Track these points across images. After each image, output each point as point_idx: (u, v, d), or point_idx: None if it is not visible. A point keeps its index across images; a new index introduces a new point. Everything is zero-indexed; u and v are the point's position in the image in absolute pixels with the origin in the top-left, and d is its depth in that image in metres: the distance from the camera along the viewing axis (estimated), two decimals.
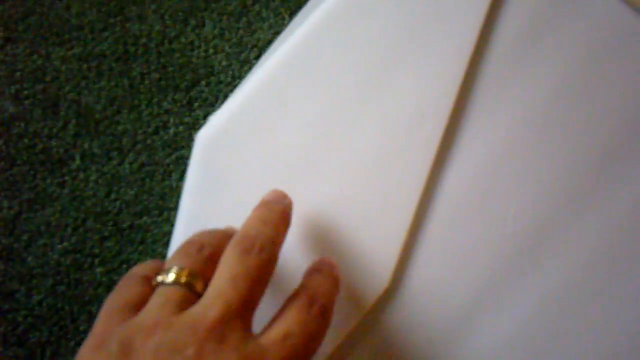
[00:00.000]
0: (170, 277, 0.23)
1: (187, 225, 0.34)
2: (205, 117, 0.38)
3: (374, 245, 0.31)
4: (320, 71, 0.33)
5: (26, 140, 0.47)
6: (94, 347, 0.22)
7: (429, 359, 0.31)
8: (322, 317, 0.26)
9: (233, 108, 0.34)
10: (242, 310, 0.24)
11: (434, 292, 0.31)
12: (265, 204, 0.29)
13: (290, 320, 0.25)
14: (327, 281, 0.28)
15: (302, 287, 0.27)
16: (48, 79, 0.48)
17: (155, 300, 0.23)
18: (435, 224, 0.32)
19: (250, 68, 0.44)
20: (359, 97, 0.33)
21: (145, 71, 0.48)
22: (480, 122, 0.32)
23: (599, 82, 0.32)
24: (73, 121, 0.47)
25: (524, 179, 0.32)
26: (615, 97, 0.32)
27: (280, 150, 0.33)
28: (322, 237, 0.32)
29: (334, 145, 0.33)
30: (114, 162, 0.47)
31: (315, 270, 0.28)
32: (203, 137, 0.35)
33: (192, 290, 0.24)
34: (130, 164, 0.46)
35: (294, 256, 0.30)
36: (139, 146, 0.47)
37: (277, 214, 0.28)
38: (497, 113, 0.32)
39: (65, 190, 0.46)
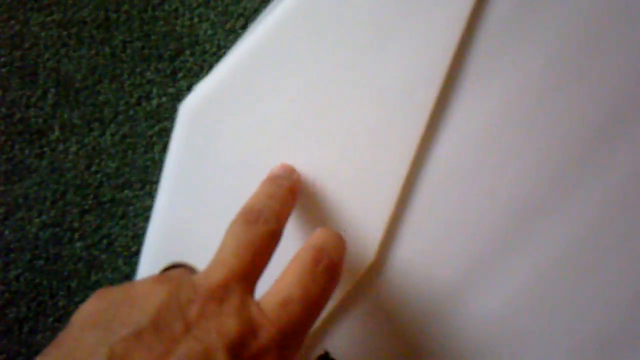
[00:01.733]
0: None
1: (169, 197, 0.33)
2: (189, 87, 0.36)
3: (360, 218, 0.31)
4: (311, 40, 0.32)
5: (3, 110, 0.45)
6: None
7: (417, 333, 0.30)
8: (328, 275, 0.25)
9: (219, 77, 0.33)
10: (244, 277, 0.24)
11: (421, 266, 0.31)
12: (273, 179, 0.29)
13: (291, 283, 0.25)
14: (333, 236, 0.27)
15: (308, 243, 0.26)
16: (26, 45, 0.46)
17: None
18: (424, 197, 0.31)
19: (236, 37, 0.42)
20: (350, 66, 0.31)
21: (127, 39, 0.46)
22: (472, 93, 0.31)
23: (596, 52, 0.31)
24: (52, 90, 0.45)
25: (516, 152, 0.31)
26: (612, 68, 0.31)
27: (267, 121, 0.32)
28: (307, 209, 0.31)
29: (323, 115, 0.31)
30: (95, 133, 0.45)
31: (320, 229, 0.27)
32: (188, 107, 0.33)
33: None
34: (112, 135, 0.45)
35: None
36: (120, 117, 0.45)
37: (284, 190, 0.28)
38: (490, 84, 0.31)
39: (44, 162, 0.44)
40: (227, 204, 0.30)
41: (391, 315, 0.30)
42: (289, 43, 0.32)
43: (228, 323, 0.23)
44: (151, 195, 0.44)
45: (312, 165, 0.31)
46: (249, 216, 0.26)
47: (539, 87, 0.31)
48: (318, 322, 0.30)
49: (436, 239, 0.31)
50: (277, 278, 0.26)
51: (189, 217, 0.32)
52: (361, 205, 0.31)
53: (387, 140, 0.31)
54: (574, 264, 0.30)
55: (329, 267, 0.25)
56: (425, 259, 0.31)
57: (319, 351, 0.30)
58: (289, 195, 0.28)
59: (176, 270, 0.26)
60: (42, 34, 0.46)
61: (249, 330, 0.23)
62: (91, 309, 0.23)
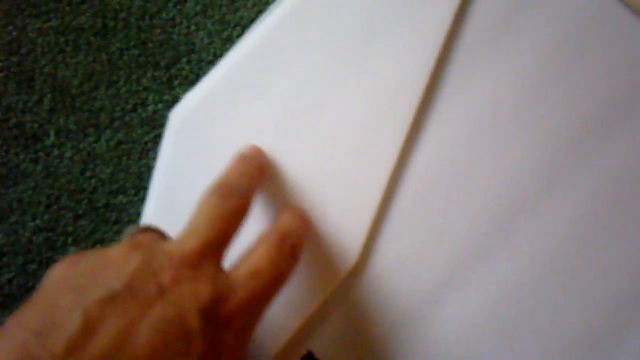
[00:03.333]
0: None
1: (158, 203, 0.34)
2: (185, 95, 0.37)
3: (344, 220, 0.31)
4: (297, 50, 0.33)
5: None
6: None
7: (398, 334, 0.31)
8: (291, 256, 0.27)
9: (208, 86, 0.34)
10: (216, 246, 0.26)
11: (403, 267, 0.31)
12: (244, 158, 0.30)
13: (260, 258, 0.27)
14: (296, 220, 0.29)
15: (276, 226, 0.28)
16: (24, 51, 0.47)
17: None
18: (407, 199, 0.32)
19: (232, 46, 0.43)
20: (335, 74, 0.32)
21: (124, 47, 0.47)
22: (455, 98, 0.32)
23: (577, 58, 0.31)
24: (48, 96, 0.46)
25: (498, 155, 0.31)
26: (593, 73, 0.31)
27: (255, 128, 0.33)
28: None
29: (308, 121, 0.32)
30: (90, 139, 0.45)
31: (284, 210, 0.30)
32: (177, 115, 0.34)
33: None
34: (107, 141, 0.45)
35: (262, 229, 0.30)
36: (116, 123, 0.46)
37: (253, 168, 0.30)
38: (473, 89, 0.32)
39: (39, 167, 0.45)
40: None
41: (373, 316, 0.31)
42: (276, 50, 0.33)
43: (201, 288, 0.24)
44: (145, 201, 0.44)
45: (296, 169, 0.32)
46: (223, 190, 0.28)
47: (522, 89, 0.31)
48: (302, 322, 0.30)
49: (418, 242, 0.31)
50: (246, 253, 0.27)
51: (177, 223, 0.33)
52: (344, 209, 0.31)
53: (370, 144, 0.31)
54: (554, 267, 0.30)
55: (292, 247, 0.28)
56: (407, 261, 0.31)
57: (302, 351, 0.31)
58: (259, 175, 0.30)
59: (146, 235, 0.27)
60: (40, 40, 0.47)
61: (220, 295, 0.24)
62: (65, 272, 0.24)
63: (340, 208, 0.31)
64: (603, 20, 0.31)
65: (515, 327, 0.30)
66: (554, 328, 0.30)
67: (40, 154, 0.45)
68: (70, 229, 0.44)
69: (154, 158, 0.45)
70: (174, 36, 0.47)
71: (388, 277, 0.31)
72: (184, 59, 0.46)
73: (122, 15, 0.47)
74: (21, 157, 0.45)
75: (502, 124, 0.31)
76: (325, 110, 0.32)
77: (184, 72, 0.46)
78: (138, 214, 0.44)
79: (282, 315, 0.30)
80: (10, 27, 0.47)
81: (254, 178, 0.30)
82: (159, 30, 0.47)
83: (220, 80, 0.34)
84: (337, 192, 0.32)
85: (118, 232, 0.44)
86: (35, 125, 0.45)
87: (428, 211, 0.31)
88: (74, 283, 0.23)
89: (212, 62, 0.46)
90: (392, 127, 0.31)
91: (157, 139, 0.45)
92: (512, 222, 0.31)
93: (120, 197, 0.44)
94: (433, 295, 0.31)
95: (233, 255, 0.27)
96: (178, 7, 0.47)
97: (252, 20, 0.46)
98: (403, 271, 0.31)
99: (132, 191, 0.45)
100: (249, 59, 0.33)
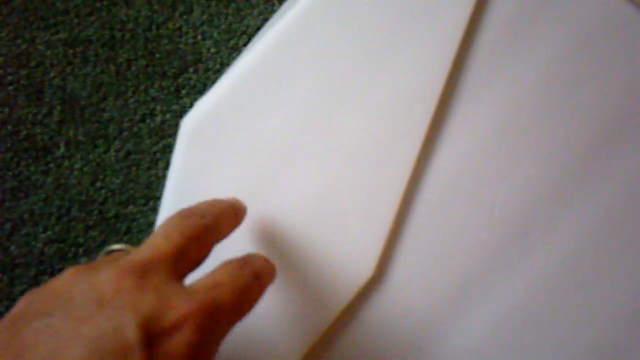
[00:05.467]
0: None
1: (171, 211, 0.33)
2: (192, 104, 0.37)
3: (360, 232, 0.31)
4: (309, 56, 0.32)
5: (10, 127, 0.46)
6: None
7: (414, 347, 0.31)
8: (254, 278, 0.26)
9: (219, 93, 0.34)
10: (171, 259, 0.24)
11: (419, 280, 0.31)
12: (217, 199, 0.30)
13: (222, 273, 0.26)
14: (264, 260, 0.28)
15: (238, 257, 0.27)
16: (32, 64, 0.47)
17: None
18: (423, 211, 0.31)
19: (239, 55, 0.43)
20: (347, 81, 0.32)
21: (132, 57, 0.47)
22: (470, 107, 0.31)
23: (591, 67, 0.31)
24: (58, 108, 0.46)
25: (513, 166, 0.31)
26: (607, 82, 0.31)
27: (267, 136, 0.32)
28: (307, 223, 0.32)
29: (322, 130, 0.32)
30: (100, 150, 0.46)
31: (253, 253, 0.28)
32: (188, 123, 0.34)
33: None
34: (116, 152, 0.46)
35: (278, 240, 0.30)
36: (125, 134, 0.46)
37: (225, 203, 0.29)
38: (488, 98, 0.31)
39: (50, 178, 0.45)
40: None
41: (388, 329, 0.31)
42: (289, 57, 0.32)
43: (144, 298, 0.23)
44: (155, 210, 0.44)
45: (311, 178, 0.31)
46: (183, 212, 0.27)
47: (538, 96, 0.31)
48: (317, 335, 0.30)
49: (434, 253, 0.31)
50: (208, 272, 0.26)
51: None
52: (359, 219, 0.31)
53: (386, 155, 0.31)
54: (570, 280, 0.30)
55: (255, 270, 0.26)
56: (423, 273, 0.31)
57: None
58: (229, 209, 0.29)
59: (106, 256, 0.26)
60: (48, 52, 0.47)
61: (165, 306, 0.23)
62: (21, 306, 0.24)
63: (357, 219, 0.31)
64: (620, 26, 0.31)
65: (533, 339, 0.30)
66: (568, 340, 0.29)
67: (51, 165, 0.45)
68: (81, 240, 0.44)
69: (163, 168, 0.45)
70: (181, 46, 0.47)
71: (404, 289, 0.31)
72: (191, 69, 0.47)
73: (130, 26, 0.47)
74: (32, 169, 0.45)
75: (519, 131, 0.31)
76: (340, 118, 0.32)
77: (191, 82, 0.46)
78: (148, 224, 0.45)
79: (295, 330, 0.30)
80: (19, 40, 0.47)
81: (223, 209, 0.29)
82: (166, 41, 0.47)
83: (232, 86, 0.33)
84: (353, 203, 0.31)
85: (128, 242, 0.44)
86: (46, 137, 0.46)
87: (444, 222, 0.31)
88: (20, 315, 0.23)
89: (219, 71, 0.46)
90: (408, 135, 0.31)
91: (165, 149, 0.46)
92: (529, 233, 0.31)
93: (130, 207, 0.45)
94: (451, 308, 0.30)
95: None
96: (184, 17, 0.47)
97: (258, 29, 0.46)
98: (420, 283, 0.31)
99: (142, 201, 0.45)
100: (260, 66, 0.33)
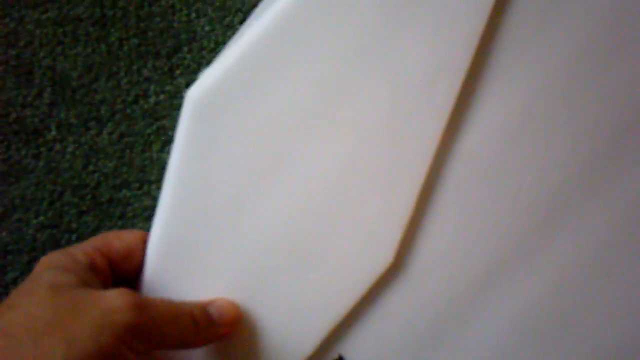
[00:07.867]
0: None
1: (176, 193, 0.31)
2: (187, 85, 0.36)
3: (378, 217, 0.29)
4: (325, 27, 0.30)
5: None
6: None
7: (434, 338, 0.30)
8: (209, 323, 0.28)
9: (228, 64, 0.31)
10: (73, 263, 0.26)
11: (441, 268, 0.30)
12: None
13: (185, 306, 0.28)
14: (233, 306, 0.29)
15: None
16: (21, 44, 0.45)
17: None
18: (445, 196, 0.30)
19: (234, 33, 0.42)
20: (367, 54, 0.30)
21: (124, 36, 0.45)
22: (498, 86, 0.30)
23: (625, 46, 0.29)
24: (48, 89, 0.45)
25: (541, 150, 0.30)
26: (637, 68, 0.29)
27: (282, 111, 0.30)
28: (322, 206, 0.30)
29: (340, 106, 0.30)
30: (92, 132, 0.44)
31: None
32: (194, 96, 0.31)
33: None
34: (109, 134, 0.44)
35: (292, 224, 0.28)
36: (118, 116, 0.45)
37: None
38: (516, 77, 0.30)
39: (41, 162, 0.44)
40: (239, 200, 0.29)
41: (409, 318, 0.29)
42: (303, 29, 0.30)
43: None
44: (150, 194, 0.43)
45: (329, 159, 0.30)
46: None
47: (567, 78, 0.29)
48: (333, 325, 0.29)
49: (455, 241, 0.30)
50: None
51: (197, 216, 0.31)
52: (379, 205, 0.29)
53: (407, 137, 0.29)
54: (597, 270, 0.29)
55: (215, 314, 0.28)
56: (445, 261, 0.30)
57: (334, 355, 0.30)
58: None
59: None
60: (37, 31, 0.46)
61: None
62: None
63: (374, 204, 0.30)
64: None
65: (558, 331, 0.29)
66: (593, 332, 0.28)
67: (42, 149, 0.44)
68: (74, 225, 0.43)
69: (158, 150, 0.44)
70: (175, 24, 0.45)
71: (424, 278, 0.30)
72: (185, 48, 0.45)
73: (121, 4, 0.46)
74: (22, 153, 0.44)
75: (548, 113, 0.29)
76: (360, 93, 0.30)
77: (185, 61, 0.45)
78: (142, 208, 0.43)
79: (312, 318, 0.29)
80: (7, 19, 0.46)
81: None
82: (158, 19, 0.45)
83: (241, 57, 0.30)
84: (371, 187, 0.30)
85: (122, 227, 0.43)
86: (36, 119, 0.44)
87: (468, 207, 0.30)
88: None
89: (213, 50, 0.45)
90: (429, 119, 0.29)
91: (160, 131, 0.44)
92: (555, 220, 0.29)
93: (124, 191, 0.43)
94: (472, 295, 0.29)
95: None
96: None
97: (253, 6, 0.45)
98: (441, 271, 0.30)
99: (136, 185, 0.44)
100: (272, 37, 0.30)
